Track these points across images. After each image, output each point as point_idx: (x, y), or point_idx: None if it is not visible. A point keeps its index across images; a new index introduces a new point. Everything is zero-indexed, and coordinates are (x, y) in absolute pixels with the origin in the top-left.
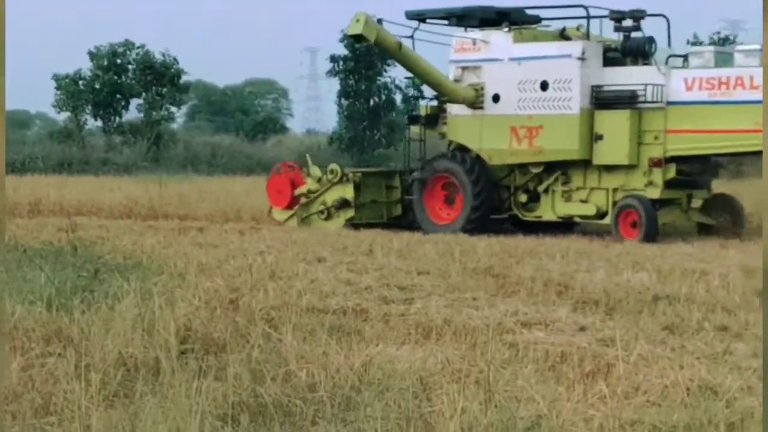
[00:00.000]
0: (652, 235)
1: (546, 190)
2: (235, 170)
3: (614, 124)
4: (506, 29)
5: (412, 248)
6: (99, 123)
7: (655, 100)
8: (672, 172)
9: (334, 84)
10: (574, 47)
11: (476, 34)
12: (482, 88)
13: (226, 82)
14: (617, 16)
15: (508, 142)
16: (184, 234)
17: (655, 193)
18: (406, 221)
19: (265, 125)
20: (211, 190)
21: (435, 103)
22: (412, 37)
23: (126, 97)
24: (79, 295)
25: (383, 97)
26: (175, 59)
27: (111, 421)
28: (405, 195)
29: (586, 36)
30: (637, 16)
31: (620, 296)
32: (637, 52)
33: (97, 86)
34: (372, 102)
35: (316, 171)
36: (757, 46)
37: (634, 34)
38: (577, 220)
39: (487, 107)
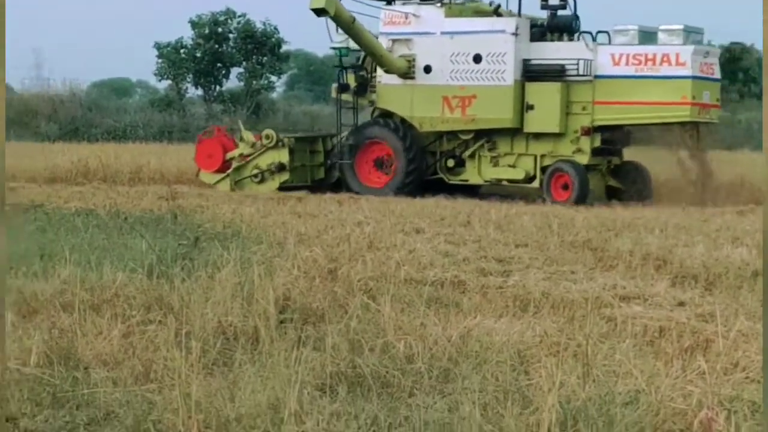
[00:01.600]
0: (584, 197)
1: (472, 156)
2: None
3: (545, 95)
4: (438, 4)
5: (510, 220)
6: (199, 91)
7: (584, 73)
8: (598, 140)
9: None
10: (508, 23)
11: (408, 8)
12: (413, 60)
13: (325, 51)
14: None
15: (440, 110)
16: (282, 203)
17: (584, 160)
18: (327, 183)
19: None
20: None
21: (358, 72)
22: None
23: (226, 66)
24: (179, 263)
25: None
26: (275, 28)
27: (210, 389)
28: (332, 158)
29: (518, 13)
30: None
31: (720, 271)
32: (563, 28)
33: (198, 55)
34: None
35: (248, 136)
36: (680, 26)
37: (560, 12)
38: (505, 183)
39: (419, 77)
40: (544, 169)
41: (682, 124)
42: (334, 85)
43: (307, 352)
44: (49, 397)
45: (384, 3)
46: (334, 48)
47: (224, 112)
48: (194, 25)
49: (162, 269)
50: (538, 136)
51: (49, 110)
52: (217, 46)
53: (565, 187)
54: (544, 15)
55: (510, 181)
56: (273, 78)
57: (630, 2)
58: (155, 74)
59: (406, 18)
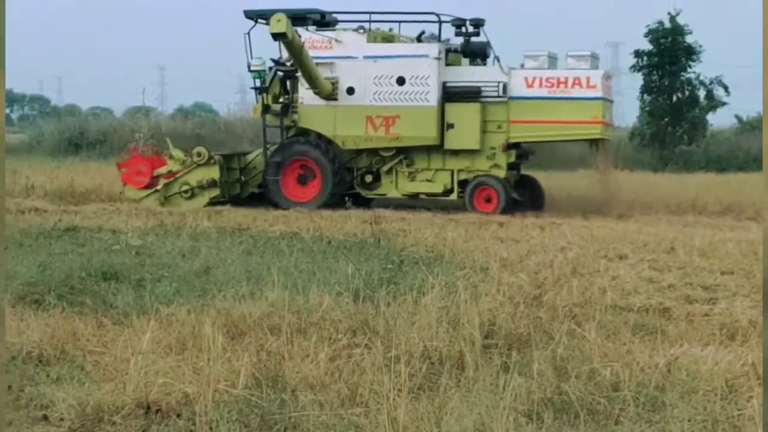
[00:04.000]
0: (507, 208)
1: (389, 171)
2: (534, 167)
3: (464, 115)
4: (361, 30)
5: (715, 247)
6: None
7: (499, 95)
8: (513, 156)
9: (635, 79)
10: (431, 48)
11: (330, 33)
12: (336, 82)
13: None
14: (459, 23)
15: (364, 129)
16: (484, 228)
17: (501, 174)
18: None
19: None
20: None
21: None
22: (248, 34)
23: None
24: (384, 287)
25: (686, 93)
26: None
27: (417, 413)
28: (265, 175)
29: (438, 39)
30: (478, 23)
31: None
32: (477, 54)
33: None
34: (675, 98)
35: (178, 153)
36: (587, 52)
37: (474, 39)
38: (423, 197)
39: (342, 99)
40: (461, 183)
41: (592, 141)
42: (255, 106)
43: (513, 378)
44: (258, 419)
45: (304, 29)
46: (252, 71)
47: None
48: None
49: (368, 293)
50: (455, 152)
51: (252, 134)
52: None
53: (488, 199)
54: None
55: (428, 194)
56: None
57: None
58: None
59: (329, 43)
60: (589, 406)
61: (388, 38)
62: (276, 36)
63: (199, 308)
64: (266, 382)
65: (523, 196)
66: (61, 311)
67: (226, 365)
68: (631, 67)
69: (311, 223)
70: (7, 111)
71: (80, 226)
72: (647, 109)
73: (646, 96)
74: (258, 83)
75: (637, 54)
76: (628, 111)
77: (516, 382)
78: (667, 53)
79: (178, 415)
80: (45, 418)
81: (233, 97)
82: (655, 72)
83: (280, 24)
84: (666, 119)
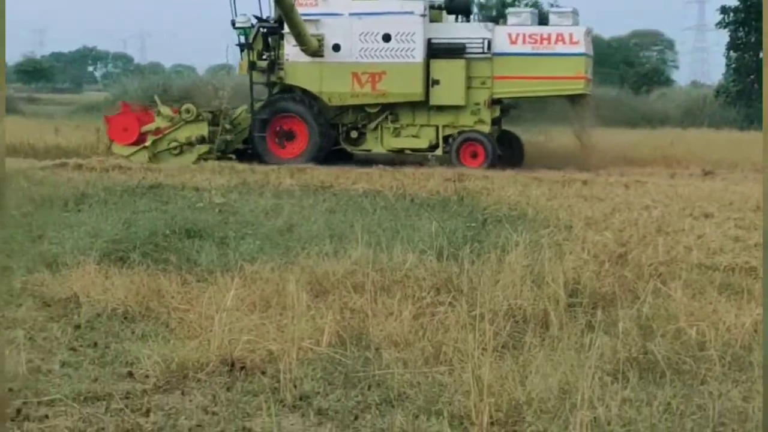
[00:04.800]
0: (494, 164)
1: (375, 128)
2: (618, 123)
3: (450, 71)
4: None
5: None
6: None
7: (484, 51)
8: (497, 111)
9: (722, 36)
10: (416, 5)
11: None
12: (322, 39)
13: (611, 33)
14: None
15: (350, 85)
16: (568, 186)
17: (486, 129)
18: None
19: (650, 77)
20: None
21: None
22: None
23: None
24: (467, 245)
25: None
26: None
27: (501, 371)
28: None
29: None
30: None
31: None
32: (460, 10)
33: None
34: (761, 54)
35: (166, 110)
36: (570, 9)
37: None
38: (408, 152)
39: (327, 55)
40: (446, 139)
41: (573, 96)
42: (241, 63)
43: (598, 337)
44: (342, 377)
45: None
46: (237, 28)
47: None
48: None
49: (451, 251)
50: (440, 108)
51: None
52: None
53: (474, 155)
54: None
55: (413, 150)
56: None
57: None
58: None
59: (315, 0)
60: (674, 366)
61: None
62: None
63: (283, 266)
64: (350, 340)
65: (503, 151)
66: (145, 269)
67: (310, 323)
68: (717, 24)
69: (394, 181)
70: (91, 69)
71: (164, 183)
72: (733, 66)
73: (732, 53)
74: (242, 40)
75: (724, 10)
76: (713, 68)
77: (601, 341)
78: (754, 9)
79: (263, 373)
80: (130, 374)
81: None
82: (741, 28)
83: None
84: (752, 76)
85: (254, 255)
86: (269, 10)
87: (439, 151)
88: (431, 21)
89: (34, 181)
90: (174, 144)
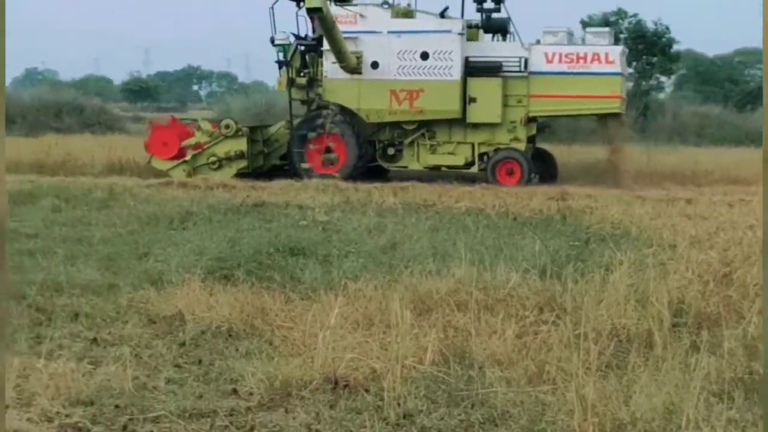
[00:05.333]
0: (529, 180)
1: (411, 144)
2: (723, 141)
3: (486, 89)
4: (385, 6)
5: None
6: None
7: (520, 70)
8: (533, 129)
9: None
10: (454, 24)
11: (355, 8)
12: (361, 56)
13: (715, 51)
14: None
15: (388, 103)
16: (672, 205)
17: (521, 147)
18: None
19: (755, 95)
20: (700, 161)
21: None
22: (272, 8)
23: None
24: (571, 264)
25: None
26: (666, 28)
27: (605, 391)
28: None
29: (461, 15)
30: None
31: None
32: (498, 29)
33: None
34: None
35: (206, 125)
36: (606, 29)
37: (494, 15)
38: (444, 169)
39: (366, 73)
40: (481, 156)
41: (604, 115)
42: (279, 79)
43: (703, 357)
44: (445, 396)
45: (332, 3)
46: (276, 45)
47: None
48: (584, 24)
49: (554, 270)
50: (477, 125)
51: None
52: None
53: (510, 172)
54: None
55: (449, 167)
56: (662, 78)
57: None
58: None
59: (354, 17)
60: None
61: (407, 14)
62: (311, 11)
63: (386, 284)
64: (453, 358)
65: (537, 167)
66: (249, 286)
67: (413, 341)
68: None
69: (496, 200)
70: (196, 88)
71: (267, 202)
72: None
73: None
74: (281, 57)
75: None
76: None
77: (706, 361)
78: None
79: (366, 390)
80: (234, 391)
81: None
82: None
83: (318, 0)
84: None
85: (357, 273)
86: (306, 29)
87: (474, 168)
88: (468, 40)
89: (139, 199)
90: (213, 159)
